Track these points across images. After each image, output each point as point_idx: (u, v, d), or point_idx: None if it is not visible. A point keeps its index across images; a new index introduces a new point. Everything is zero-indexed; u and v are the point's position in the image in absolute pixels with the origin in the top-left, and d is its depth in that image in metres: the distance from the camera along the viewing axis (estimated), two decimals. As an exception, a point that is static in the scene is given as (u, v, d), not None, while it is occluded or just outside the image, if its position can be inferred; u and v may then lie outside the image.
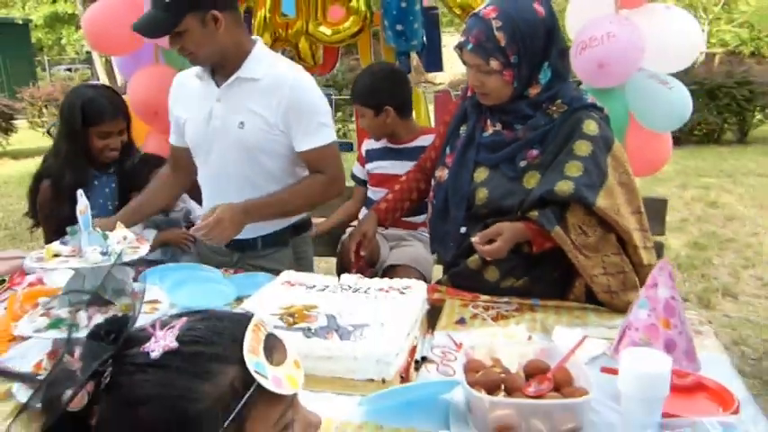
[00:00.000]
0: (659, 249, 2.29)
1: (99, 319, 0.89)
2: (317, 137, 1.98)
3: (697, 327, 1.57)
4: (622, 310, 1.64)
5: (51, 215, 2.28)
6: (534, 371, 1.19)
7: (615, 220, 1.65)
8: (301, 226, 2.22)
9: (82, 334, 0.74)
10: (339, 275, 1.75)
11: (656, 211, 2.26)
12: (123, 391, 0.67)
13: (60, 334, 1.15)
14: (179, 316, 0.74)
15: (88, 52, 23.60)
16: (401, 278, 1.70)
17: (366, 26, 2.51)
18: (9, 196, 7.73)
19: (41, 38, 25.28)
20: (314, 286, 1.63)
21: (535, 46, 1.65)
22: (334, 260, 2.62)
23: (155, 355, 0.67)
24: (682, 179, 7.54)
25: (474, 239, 1.70)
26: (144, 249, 1.34)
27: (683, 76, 9.49)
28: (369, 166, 2.61)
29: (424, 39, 2.52)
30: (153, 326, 0.71)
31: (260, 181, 2.02)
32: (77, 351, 0.70)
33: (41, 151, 10.83)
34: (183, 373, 0.67)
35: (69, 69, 27.70)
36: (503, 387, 1.16)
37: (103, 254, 1.20)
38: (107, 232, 1.33)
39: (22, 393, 1.18)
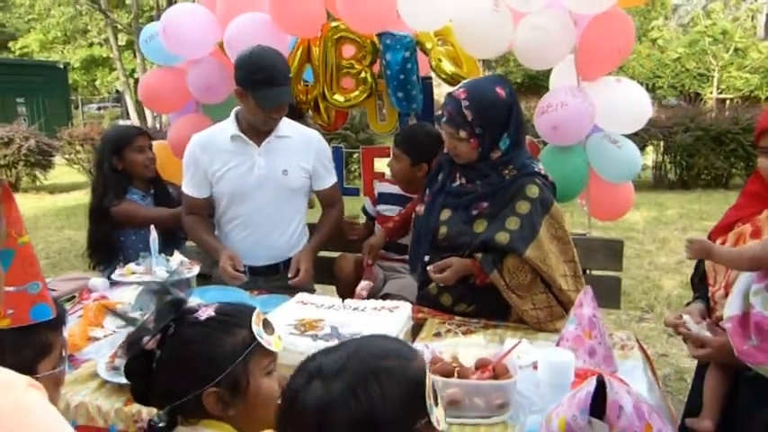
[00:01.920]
0: (616, 283, 2.68)
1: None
2: (331, 177, 2.69)
3: (625, 341, 1.97)
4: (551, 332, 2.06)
5: (141, 220, 2.75)
6: (482, 365, 1.58)
7: (541, 268, 2.05)
8: None
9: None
10: (340, 297, 2.17)
11: (613, 250, 2.66)
12: (180, 337, 1.15)
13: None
14: (213, 304, 1.22)
15: (118, 92, 24.76)
16: (393, 302, 2.12)
17: (373, 93, 2.96)
18: (48, 228, 8.23)
19: (77, 79, 26.59)
20: (322, 305, 2.05)
21: (496, 121, 2.08)
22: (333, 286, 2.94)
23: (201, 318, 1.16)
24: (684, 222, 7.75)
25: (429, 268, 2.13)
26: (195, 270, 1.81)
27: (689, 122, 9.71)
28: (379, 207, 2.95)
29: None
30: (199, 305, 1.20)
31: (290, 214, 2.61)
32: (152, 316, 1.16)
33: (76, 186, 11.24)
34: (216, 330, 1.15)
35: (100, 108, 28.91)
36: (456, 375, 1.55)
37: (168, 272, 1.65)
38: (168, 257, 1.80)
39: (104, 372, 1.61)
